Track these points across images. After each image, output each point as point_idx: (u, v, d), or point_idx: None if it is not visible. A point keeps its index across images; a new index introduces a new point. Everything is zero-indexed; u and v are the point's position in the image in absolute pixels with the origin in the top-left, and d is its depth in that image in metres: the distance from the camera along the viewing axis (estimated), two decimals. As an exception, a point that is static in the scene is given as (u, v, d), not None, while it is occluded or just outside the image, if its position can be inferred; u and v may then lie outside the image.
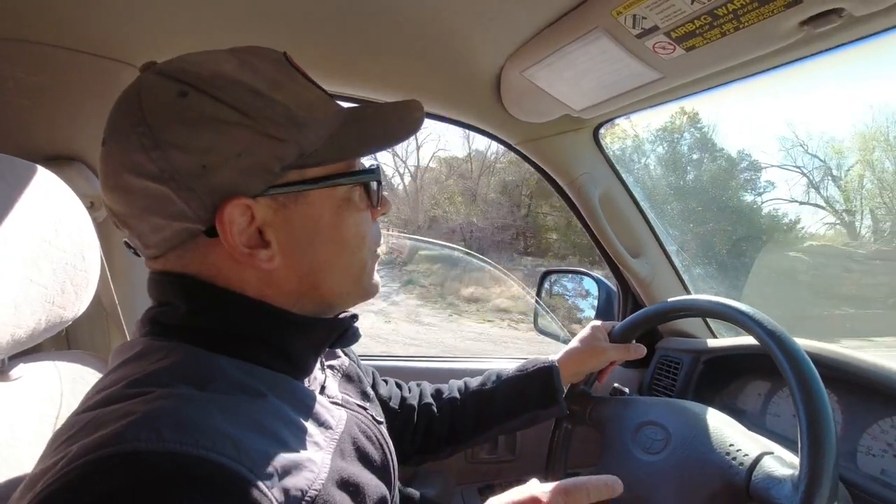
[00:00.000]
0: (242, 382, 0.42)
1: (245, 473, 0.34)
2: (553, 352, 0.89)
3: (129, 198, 0.42)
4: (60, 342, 0.80)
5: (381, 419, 0.62)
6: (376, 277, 0.55)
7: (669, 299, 0.84)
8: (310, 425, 0.46)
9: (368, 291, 0.54)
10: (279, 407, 0.43)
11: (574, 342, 0.87)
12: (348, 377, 0.65)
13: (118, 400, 0.37)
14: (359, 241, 0.51)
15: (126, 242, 0.47)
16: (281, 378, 0.46)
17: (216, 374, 0.41)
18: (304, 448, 0.42)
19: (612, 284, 1.27)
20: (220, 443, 0.34)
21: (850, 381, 0.80)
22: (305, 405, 0.47)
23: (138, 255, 0.48)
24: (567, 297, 1.42)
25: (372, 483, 0.49)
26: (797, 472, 0.54)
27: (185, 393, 0.38)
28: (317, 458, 0.42)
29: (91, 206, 0.76)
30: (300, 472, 0.39)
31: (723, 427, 0.69)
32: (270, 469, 0.36)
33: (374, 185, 0.51)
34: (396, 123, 0.51)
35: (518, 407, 0.81)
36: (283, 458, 0.38)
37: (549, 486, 0.49)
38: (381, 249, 0.56)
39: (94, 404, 0.38)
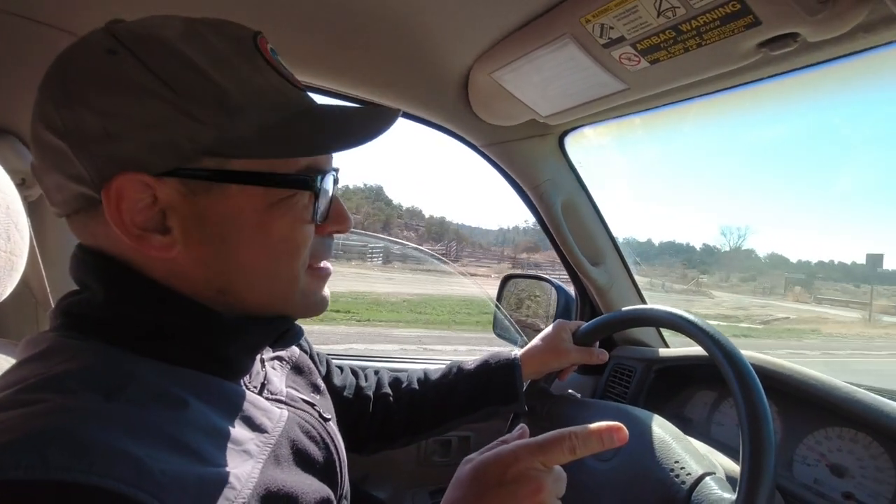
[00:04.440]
0: (160, 390, 0.38)
1: (147, 500, 0.30)
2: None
3: (38, 149, 0.41)
4: (-19, 329, 0.74)
5: (329, 415, 0.59)
6: (324, 293, 0.51)
7: (632, 307, 0.85)
8: (240, 431, 0.42)
9: (305, 308, 0.49)
10: (203, 415, 0.40)
11: (538, 340, 0.87)
12: (298, 369, 0.63)
13: (6, 408, 0.33)
14: (289, 251, 0.45)
15: None
16: (210, 381, 0.43)
17: (129, 380, 0.37)
18: (229, 461, 0.39)
19: (570, 291, 1.28)
20: (118, 466, 0.30)
21: (789, 392, 0.83)
22: (237, 409, 0.44)
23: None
24: (526, 301, 1.42)
25: (311, 488, 0.46)
26: (734, 497, 0.56)
27: (86, 405, 0.33)
28: (242, 472, 0.39)
29: (22, 184, 0.71)
30: (218, 491, 0.35)
31: (670, 441, 0.70)
32: (181, 492, 0.32)
33: (324, 196, 0.46)
34: (355, 127, 0.45)
35: (478, 401, 0.81)
36: (199, 476, 0.35)
37: (523, 444, 0.43)
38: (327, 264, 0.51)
39: None
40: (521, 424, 0.51)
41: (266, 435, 0.45)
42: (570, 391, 0.93)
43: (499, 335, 1.39)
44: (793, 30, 0.54)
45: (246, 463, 0.40)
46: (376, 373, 0.86)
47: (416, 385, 0.83)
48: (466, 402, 0.81)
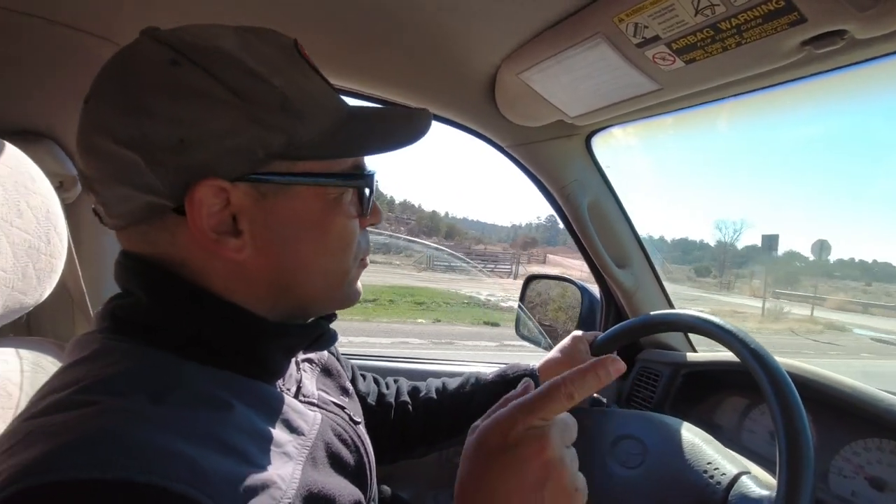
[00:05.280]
0: (206, 393, 0.39)
1: (202, 500, 0.31)
2: (534, 357, 0.88)
3: (98, 161, 0.40)
4: (20, 328, 0.76)
5: (359, 419, 0.60)
6: (358, 285, 0.53)
7: (652, 312, 0.84)
8: (280, 433, 0.43)
9: (348, 299, 0.52)
10: (246, 417, 0.40)
11: (554, 352, 0.87)
12: (327, 371, 0.63)
13: (63, 408, 0.34)
14: (343, 247, 0.48)
15: (94, 209, 0.44)
16: (250, 383, 0.44)
17: (176, 384, 0.38)
18: (272, 462, 0.40)
19: (595, 293, 1.27)
20: (173, 466, 0.31)
21: (825, 401, 0.81)
22: (276, 411, 0.45)
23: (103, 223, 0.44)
24: (550, 303, 1.41)
25: (346, 490, 0.47)
26: (774, 493, 0.54)
27: (138, 407, 0.34)
28: (285, 473, 0.40)
29: (60, 187, 0.73)
30: (265, 492, 0.36)
31: (700, 444, 0.69)
32: (232, 492, 0.33)
33: (366, 191, 0.49)
34: (399, 128, 0.48)
35: None
36: (247, 477, 0.35)
37: (518, 403, 0.40)
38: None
39: (39, 411, 0.35)
40: (526, 379, 0.47)
41: (303, 437, 0.46)
42: (595, 395, 0.92)
43: (522, 336, 1.38)
44: (840, 27, 0.51)
45: (287, 465, 0.41)
46: (395, 381, 0.87)
47: (433, 394, 0.83)
48: (483, 412, 0.80)
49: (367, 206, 0.50)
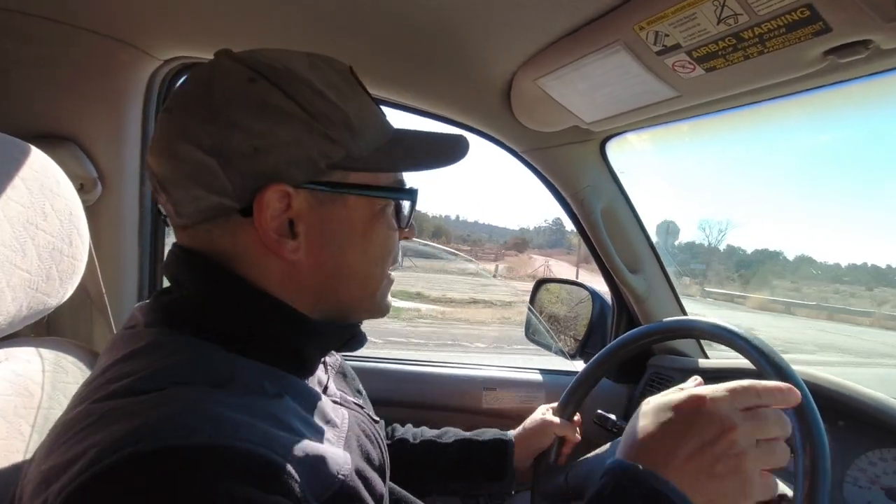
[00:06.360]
0: (257, 385, 0.42)
1: (280, 461, 0.34)
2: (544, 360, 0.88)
3: (175, 164, 0.43)
4: (40, 328, 0.77)
5: (378, 418, 0.63)
6: (389, 298, 0.55)
7: (596, 357, 0.86)
8: (321, 423, 0.46)
9: (381, 309, 0.54)
10: (293, 407, 0.43)
11: (525, 422, 0.88)
12: (342, 374, 0.66)
13: (132, 393, 0.36)
14: (383, 256, 0.51)
15: (158, 209, 0.46)
16: (289, 378, 0.46)
17: (230, 375, 0.40)
18: (323, 442, 0.43)
19: (607, 298, 1.26)
20: (249, 432, 0.34)
21: (842, 410, 0.80)
22: (314, 405, 0.48)
23: (167, 224, 0.48)
24: (561, 307, 1.41)
25: (377, 481, 0.49)
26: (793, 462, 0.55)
27: (204, 390, 0.37)
28: (338, 452, 0.43)
29: (81, 189, 0.74)
30: (327, 463, 0.40)
31: None
32: (302, 457, 0.37)
33: (407, 205, 0.52)
34: (439, 150, 0.53)
35: (465, 469, 0.81)
36: (311, 448, 0.39)
37: (713, 386, 0.47)
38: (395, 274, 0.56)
39: (106, 395, 0.37)
40: (695, 376, 0.53)
41: (338, 429, 0.49)
42: (599, 411, 0.91)
43: (532, 340, 1.38)
44: (866, 37, 0.51)
45: (335, 447, 0.44)
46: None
47: (409, 437, 0.84)
48: (453, 467, 0.81)
49: (408, 219, 0.53)
